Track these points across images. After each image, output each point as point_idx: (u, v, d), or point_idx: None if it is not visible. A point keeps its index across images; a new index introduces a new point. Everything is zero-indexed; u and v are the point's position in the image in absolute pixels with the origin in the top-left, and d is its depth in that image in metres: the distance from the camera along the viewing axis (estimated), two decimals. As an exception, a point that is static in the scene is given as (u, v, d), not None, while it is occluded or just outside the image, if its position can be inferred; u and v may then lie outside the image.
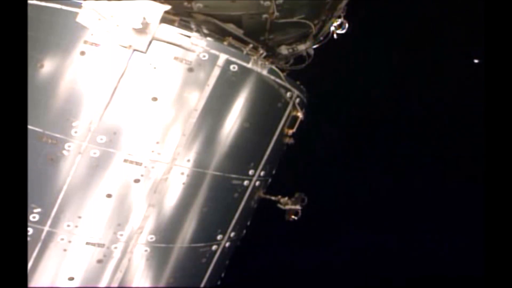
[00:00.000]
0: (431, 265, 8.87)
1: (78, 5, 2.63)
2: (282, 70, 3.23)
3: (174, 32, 2.73)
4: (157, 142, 2.81)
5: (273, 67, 3.11)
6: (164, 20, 2.70)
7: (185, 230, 3.06)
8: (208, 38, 2.85)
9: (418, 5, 7.84)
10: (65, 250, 2.78)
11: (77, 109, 2.67)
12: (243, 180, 3.23)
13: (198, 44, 2.78)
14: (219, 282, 3.66)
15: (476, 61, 8.44)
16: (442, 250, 9.00)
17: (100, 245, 2.84)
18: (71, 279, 2.83)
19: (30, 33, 2.58)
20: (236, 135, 3.05)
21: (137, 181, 2.81)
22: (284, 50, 3.69)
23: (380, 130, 9.14)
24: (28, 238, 2.69)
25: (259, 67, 3.00)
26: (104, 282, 2.90)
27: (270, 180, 3.63)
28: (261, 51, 3.25)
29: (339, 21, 3.83)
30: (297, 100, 3.34)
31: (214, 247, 3.28)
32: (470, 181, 8.27)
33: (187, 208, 3.02)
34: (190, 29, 2.93)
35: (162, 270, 3.08)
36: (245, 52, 3.08)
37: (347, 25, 3.81)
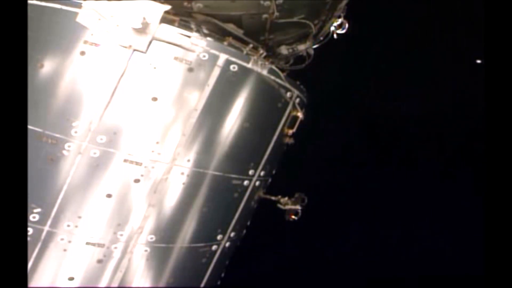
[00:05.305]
0: (431, 264, 8.87)
1: (78, 5, 2.63)
2: (282, 70, 3.23)
3: (174, 32, 2.73)
4: (157, 142, 2.80)
5: (273, 67, 3.11)
6: (164, 20, 2.70)
7: (185, 230, 3.07)
8: (208, 38, 2.85)
9: (419, 5, 7.84)
10: (65, 250, 2.78)
11: (77, 109, 2.67)
12: (243, 180, 3.23)
13: (198, 44, 2.78)
14: (219, 282, 3.66)
15: (478, 61, 8.43)
16: (442, 250, 9.00)
17: (100, 245, 2.84)
18: (71, 279, 2.83)
19: (30, 33, 2.57)
20: (236, 135, 3.05)
21: (137, 181, 2.81)
22: (284, 50, 3.69)
23: (380, 129, 9.14)
24: (28, 238, 2.69)
25: (259, 67, 3.00)
26: (104, 282, 2.90)
27: (270, 180, 3.63)
28: (261, 51, 3.25)
29: (339, 21, 3.83)
30: (297, 100, 3.34)
31: (214, 247, 3.28)
32: (471, 180, 8.28)
33: (187, 208, 3.02)
34: (190, 29, 2.92)
35: (162, 270, 3.08)
36: (245, 52, 3.08)
37: (347, 25, 3.81)
